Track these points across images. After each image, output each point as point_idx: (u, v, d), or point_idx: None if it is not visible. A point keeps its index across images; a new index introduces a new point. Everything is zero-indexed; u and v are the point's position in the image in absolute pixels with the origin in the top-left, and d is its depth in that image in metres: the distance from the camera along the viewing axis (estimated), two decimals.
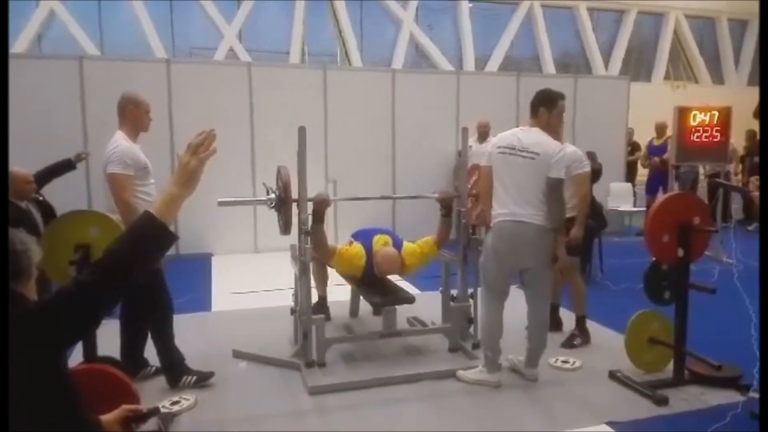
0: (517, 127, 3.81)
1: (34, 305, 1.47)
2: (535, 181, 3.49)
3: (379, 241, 4.13)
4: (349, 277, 4.37)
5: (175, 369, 3.60)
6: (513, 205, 3.50)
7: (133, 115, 3.58)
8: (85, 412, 1.55)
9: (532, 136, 3.56)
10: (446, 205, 4.15)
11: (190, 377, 3.60)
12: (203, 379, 3.62)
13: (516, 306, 3.81)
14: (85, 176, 6.71)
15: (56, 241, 2.99)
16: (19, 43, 12.24)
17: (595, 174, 5.73)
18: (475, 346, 4.11)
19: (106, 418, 1.75)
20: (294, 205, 3.70)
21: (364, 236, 4.24)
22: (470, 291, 4.24)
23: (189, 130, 1.69)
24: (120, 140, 3.48)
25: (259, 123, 7.59)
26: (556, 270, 4.52)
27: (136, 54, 12.31)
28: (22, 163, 4.51)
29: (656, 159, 9.05)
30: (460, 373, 3.72)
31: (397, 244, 4.17)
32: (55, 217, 3.98)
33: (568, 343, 4.31)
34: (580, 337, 4.34)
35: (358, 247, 4.10)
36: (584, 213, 4.29)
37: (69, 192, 5.39)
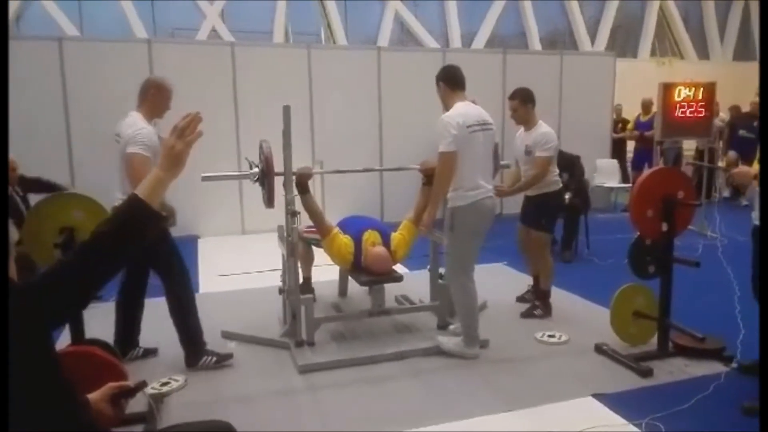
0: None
1: (19, 286, 1.46)
2: (492, 151, 3.73)
3: (369, 239, 4.00)
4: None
5: (195, 347, 3.57)
6: (485, 182, 3.62)
7: (153, 99, 3.49)
8: (72, 392, 1.55)
9: (478, 108, 3.67)
10: (428, 175, 4.16)
11: (210, 357, 3.58)
12: (222, 360, 3.61)
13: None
14: (68, 159, 6.63)
15: (40, 223, 2.96)
16: None
17: (574, 171, 6.18)
18: None
19: (93, 397, 1.74)
20: (278, 181, 3.67)
21: (353, 228, 4.09)
22: None
23: (172, 111, 1.67)
24: (141, 122, 3.39)
25: (244, 104, 7.50)
26: (530, 245, 4.56)
27: (117, 35, 12.09)
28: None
29: (636, 132, 9.30)
30: (441, 338, 3.76)
31: (386, 239, 4.06)
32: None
33: (528, 313, 4.40)
34: (541, 309, 4.41)
35: (347, 240, 3.97)
36: (523, 189, 4.46)
37: (51, 176, 5.29)
